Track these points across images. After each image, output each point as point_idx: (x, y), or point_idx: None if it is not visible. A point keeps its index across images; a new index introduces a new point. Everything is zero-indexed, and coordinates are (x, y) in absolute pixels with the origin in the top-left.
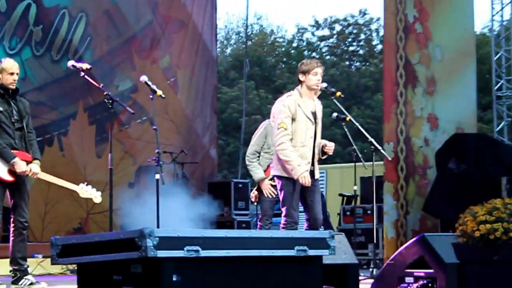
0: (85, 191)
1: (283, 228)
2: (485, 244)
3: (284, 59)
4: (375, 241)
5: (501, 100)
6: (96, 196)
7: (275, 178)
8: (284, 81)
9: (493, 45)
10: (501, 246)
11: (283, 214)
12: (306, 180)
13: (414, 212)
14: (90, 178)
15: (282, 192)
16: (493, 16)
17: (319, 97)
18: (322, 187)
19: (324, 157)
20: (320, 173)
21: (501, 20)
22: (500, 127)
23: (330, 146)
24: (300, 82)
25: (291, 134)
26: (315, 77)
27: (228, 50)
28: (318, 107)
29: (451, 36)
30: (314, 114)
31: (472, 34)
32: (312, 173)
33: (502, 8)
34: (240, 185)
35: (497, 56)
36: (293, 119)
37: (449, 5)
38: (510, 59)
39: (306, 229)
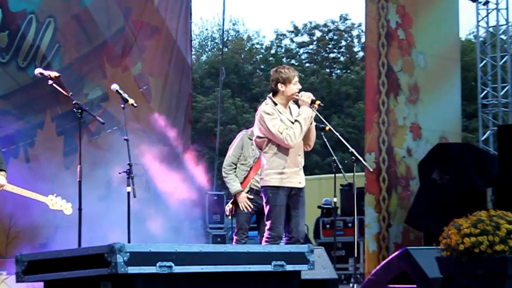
0: (55, 202)
1: (266, 242)
2: (469, 258)
3: (262, 67)
4: (356, 255)
5: (486, 108)
6: (66, 207)
7: (262, 190)
8: (261, 89)
9: (478, 52)
10: (486, 259)
11: (267, 228)
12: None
13: (396, 225)
14: (58, 191)
15: (269, 205)
16: (478, 22)
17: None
18: None
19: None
20: None
21: (487, 26)
22: (485, 136)
23: (305, 94)
24: (276, 91)
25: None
26: (295, 86)
27: (204, 57)
28: (294, 113)
29: (435, 43)
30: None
31: (457, 40)
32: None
33: (488, 13)
34: (215, 198)
35: (482, 63)
36: None
37: (433, 10)
38: (496, 66)
39: (286, 243)
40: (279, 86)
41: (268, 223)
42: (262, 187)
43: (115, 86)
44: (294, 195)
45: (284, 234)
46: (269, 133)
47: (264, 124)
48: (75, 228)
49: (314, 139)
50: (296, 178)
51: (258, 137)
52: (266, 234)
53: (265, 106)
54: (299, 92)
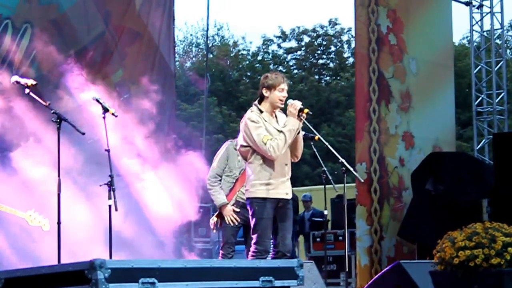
0: (34, 218)
1: (252, 257)
2: (464, 272)
3: (248, 73)
4: (347, 270)
5: (481, 116)
6: (44, 223)
7: (247, 202)
8: (248, 98)
9: (472, 57)
10: (481, 274)
11: (253, 241)
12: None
13: (389, 238)
14: (36, 204)
15: (255, 218)
16: (472, 26)
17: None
18: None
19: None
20: None
21: (481, 31)
22: (480, 145)
23: (292, 104)
24: (262, 97)
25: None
26: (280, 94)
27: (188, 63)
28: (281, 122)
29: (427, 48)
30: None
31: (451, 45)
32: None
33: (482, 17)
34: (201, 210)
35: (477, 69)
36: None
37: (425, 14)
38: (490, 72)
39: (272, 257)
40: (264, 90)
41: (254, 236)
42: (247, 198)
43: (95, 95)
44: (281, 207)
45: (270, 248)
46: (252, 142)
47: (249, 132)
48: (54, 243)
49: (301, 150)
50: (283, 189)
51: (242, 146)
52: (252, 248)
53: (250, 113)
54: (286, 101)
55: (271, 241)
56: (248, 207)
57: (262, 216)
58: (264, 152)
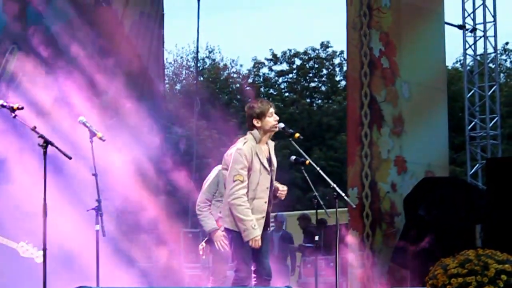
0: (26, 250)
1: (233, 284)
2: None
3: (239, 97)
4: None
5: (475, 140)
6: (37, 256)
7: (224, 230)
8: (239, 121)
9: (465, 82)
10: None
11: (234, 269)
12: (257, 244)
13: (381, 263)
14: (23, 229)
15: (233, 245)
16: (465, 50)
17: (275, 137)
18: None
19: (275, 201)
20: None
21: (474, 54)
22: (474, 170)
23: (283, 191)
24: (254, 127)
25: (247, 187)
26: (272, 119)
27: (178, 86)
28: (271, 150)
29: (420, 72)
30: (269, 161)
31: (444, 69)
32: (266, 224)
33: (475, 41)
34: (190, 235)
35: (470, 93)
36: (248, 169)
37: (418, 38)
38: (484, 97)
39: (254, 284)
40: (254, 121)
41: (234, 264)
42: (224, 227)
43: (82, 119)
44: None
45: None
46: (228, 171)
47: (231, 162)
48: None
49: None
50: None
51: (225, 169)
52: (234, 276)
53: (244, 145)
54: (278, 124)
55: (252, 266)
56: (225, 233)
57: (238, 243)
58: (228, 185)
